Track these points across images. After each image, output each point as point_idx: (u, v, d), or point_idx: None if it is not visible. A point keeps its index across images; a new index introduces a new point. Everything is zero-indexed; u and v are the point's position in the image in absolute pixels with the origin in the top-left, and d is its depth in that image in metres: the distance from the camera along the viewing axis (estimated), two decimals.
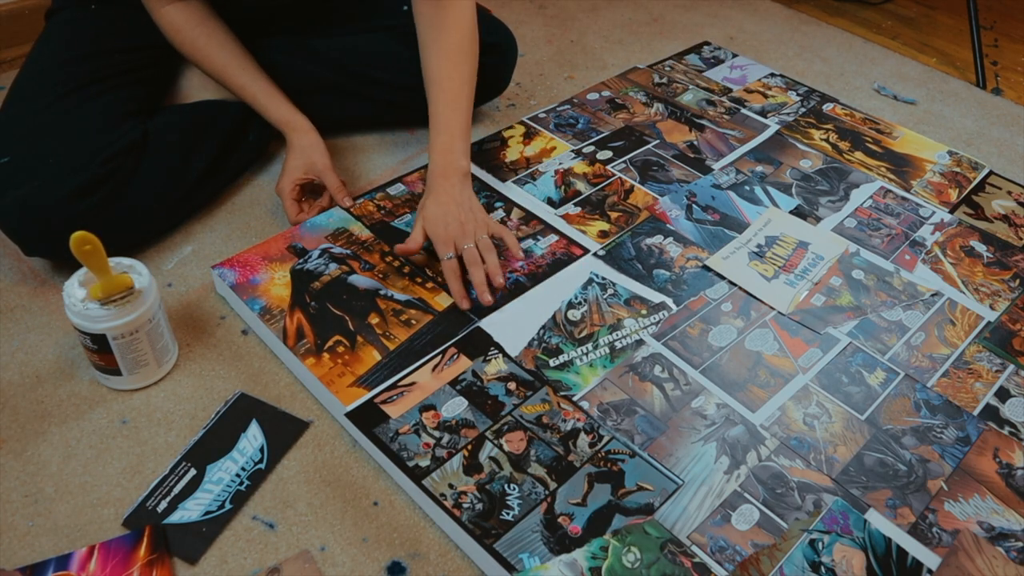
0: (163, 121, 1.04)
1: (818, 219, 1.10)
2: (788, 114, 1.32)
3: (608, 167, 1.18)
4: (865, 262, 1.03)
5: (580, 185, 1.13)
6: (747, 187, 1.15)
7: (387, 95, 1.18)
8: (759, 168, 1.19)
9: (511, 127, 1.24)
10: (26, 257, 1.00)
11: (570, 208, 1.09)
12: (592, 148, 1.22)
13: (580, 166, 1.17)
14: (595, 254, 1.01)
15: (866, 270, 1.02)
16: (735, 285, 0.99)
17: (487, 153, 1.19)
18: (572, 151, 1.20)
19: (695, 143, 1.23)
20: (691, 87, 1.37)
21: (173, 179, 1.02)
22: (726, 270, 1.01)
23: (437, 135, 1.00)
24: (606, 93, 1.33)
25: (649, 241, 1.04)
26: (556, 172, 1.15)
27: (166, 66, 1.13)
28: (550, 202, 1.10)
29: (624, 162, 1.19)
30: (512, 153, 1.19)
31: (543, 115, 1.29)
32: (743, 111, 1.32)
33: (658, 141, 1.23)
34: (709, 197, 1.13)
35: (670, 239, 1.05)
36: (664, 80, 1.38)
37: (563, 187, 1.12)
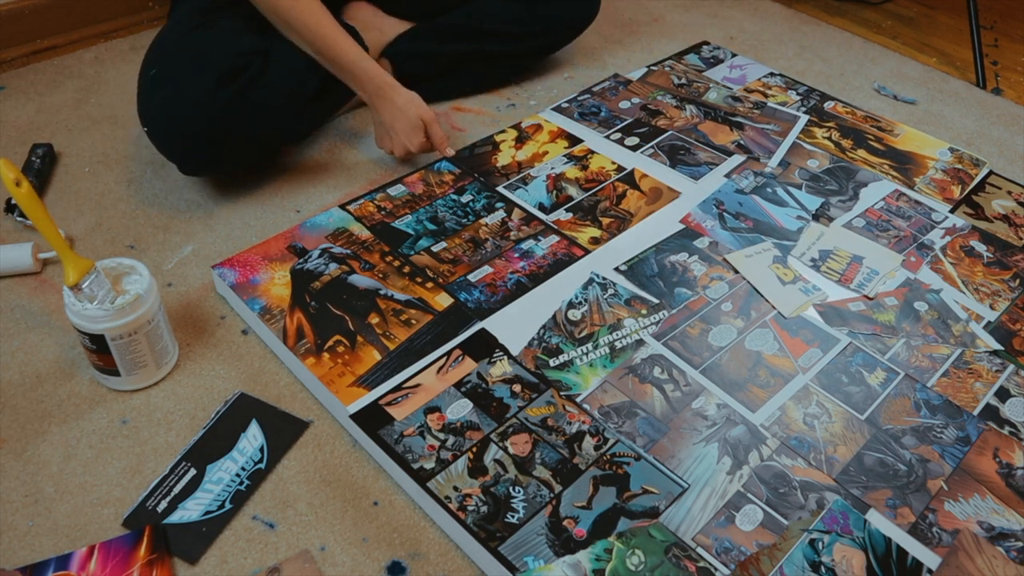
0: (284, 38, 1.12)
1: (831, 219, 1.10)
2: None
3: (639, 152, 1.20)
4: (938, 300, 0.99)
5: (572, 190, 1.13)
6: (769, 189, 1.15)
7: (508, 46, 1.33)
8: (767, 169, 1.19)
9: (503, 131, 1.24)
10: (184, 176, 1.12)
11: (561, 214, 1.09)
12: (619, 135, 1.23)
13: (572, 171, 1.16)
14: (617, 269, 1.01)
15: (933, 306, 0.98)
16: (747, 282, 0.99)
17: (479, 157, 1.18)
18: (565, 155, 1.19)
19: (742, 142, 1.23)
20: (712, 85, 1.37)
21: (295, 82, 1.10)
22: (744, 267, 1.01)
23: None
24: (636, 100, 1.32)
25: (674, 258, 1.02)
26: (548, 177, 1.15)
27: None
28: (541, 207, 1.09)
29: (652, 147, 1.20)
30: (504, 157, 1.18)
31: (565, 105, 1.30)
32: (770, 104, 1.32)
33: (706, 145, 1.22)
34: (736, 203, 1.12)
35: (695, 257, 1.03)
36: (684, 81, 1.38)
37: (554, 192, 1.12)
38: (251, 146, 1.10)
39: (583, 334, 0.92)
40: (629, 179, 1.16)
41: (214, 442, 0.82)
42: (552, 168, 1.17)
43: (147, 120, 1.05)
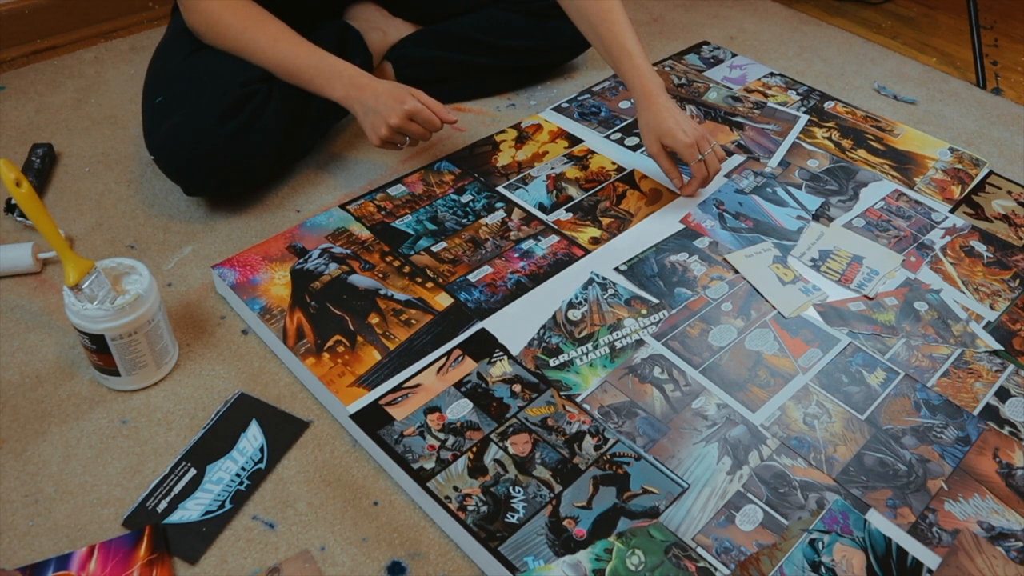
0: None
1: (831, 219, 1.10)
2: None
3: (639, 152, 1.19)
4: (938, 300, 0.99)
5: (572, 190, 1.13)
6: (769, 189, 1.15)
7: (511, 61, 1.30)
8: (767, 169, 1.19)
9: (503, 131, 1.24)
10: (187, 196, 1.10)
11: (561, 214, 1.09)
12: (619, 135, 1.23)
13: (572, 171, 1.16)
14: (617, 269, 1.01)
15: (933, 306, 0.98)
16: (747, 281, 0.99)
17: (479, 157, 1.18)
18: (565, 155, 1.19)
19: (742, 142, 1.23)
20: (712, 85, 1.37)
21: (300, 104, 1.09)
22: (744, 267, 1.01)
23: (629, 57, 1.08)
24: None
25: (674, 258, 1.02)
26: (548, 177, 1.15)
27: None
28: (541, 207, 1.09)
29: None
30: (504, 157, 1.19)
31: (565, 105, 1.30)
32: (770, 104, 1.32)
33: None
34: (736, 203, 1.12)
35: (695, 257, 1.03)
36: (684, 81, 1.38)
37: (555, 192, 1.12)
38: (257, 170, 1.10)
39: (583, 334, 0.92)
40: (629, 179, 1.16)
41: (214, 442, 0.82)
42: (552, 168, 1.17)
43: (153, 149, 1.05)
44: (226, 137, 1.02)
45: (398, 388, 0.85)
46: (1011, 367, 0.92)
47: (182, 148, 1.02)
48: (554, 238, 1.05)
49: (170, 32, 1.15)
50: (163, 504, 0.76)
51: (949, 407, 0.87)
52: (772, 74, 1.42)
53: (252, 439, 0.82)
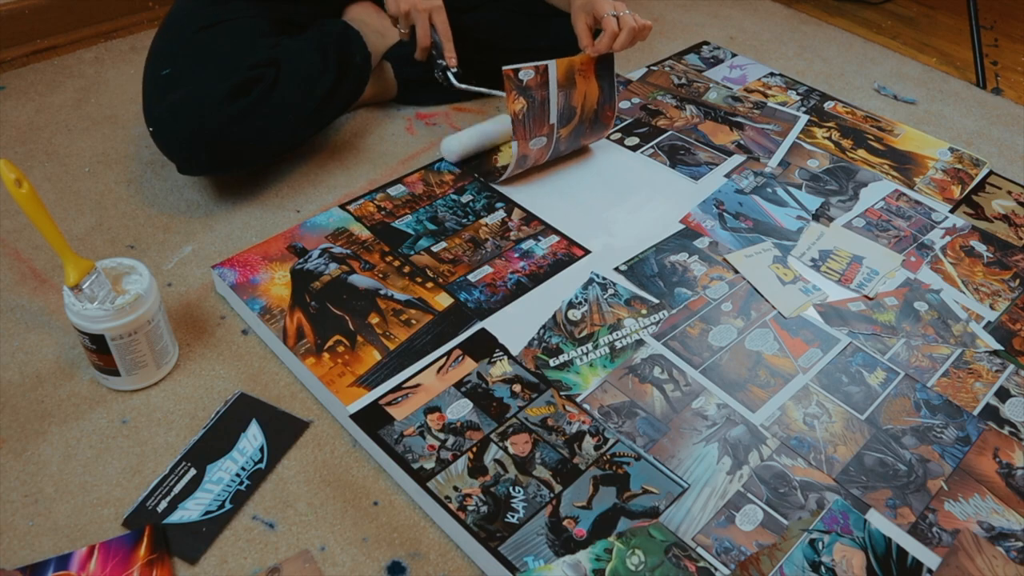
0: (294, 42, 1.13)
1: (831, 219, 1.10)
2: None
3: (639, 152, 1.20)
4: (938, 300, 0.99)
5: None
6: (769, 189, 1.15)
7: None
8: (767, 169, 1.19)
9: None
10: (181, 175, 1.11)
11: None
12: (619, 135, 1.23)
13: None
14: (617, 269, 1.01)
15: (933, 306, 0.98)
16: (747, 281, 0.99)
17: (479, 157, 1.18)
18: None
19: (742, 142, 1.23)
20: (712, 85, 1.37)
21: (305, 90, 1.10)
22: (744, 267, 1.01)
23: None
24: (636, 100, 1.32)
25: (674, 258, 1.02)
26: None
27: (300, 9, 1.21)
28: None
29: (652, 147, 1.20)
30: (504, 157, 1.18)
31: None
32: (770, 104, 1.32)
33: (706, 145, 1.22)
34: (736, 204, 1.12)
35: (695, 257, 1.03)
36: (684, 81, 1.38)
37: None
38: (255, 154, 1.10)
39: (583, 334, 0.92)
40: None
41: (214, 442, 0.82)
42: None
43: (154, 121, 1.04)
44: (230, 117, 1.02)
45: (398, 388, 0.85)
46: (1011, 367, 0.92)
47: (183, 123, 1.02)
48: (554, 238, 1.05)
49: (176, 9, 1.15)
50: (163, 504, 0.76)
51: (949, 407, 0.87)
52: (772, 74, 1.42)
53: (252, 439, 0.82)
